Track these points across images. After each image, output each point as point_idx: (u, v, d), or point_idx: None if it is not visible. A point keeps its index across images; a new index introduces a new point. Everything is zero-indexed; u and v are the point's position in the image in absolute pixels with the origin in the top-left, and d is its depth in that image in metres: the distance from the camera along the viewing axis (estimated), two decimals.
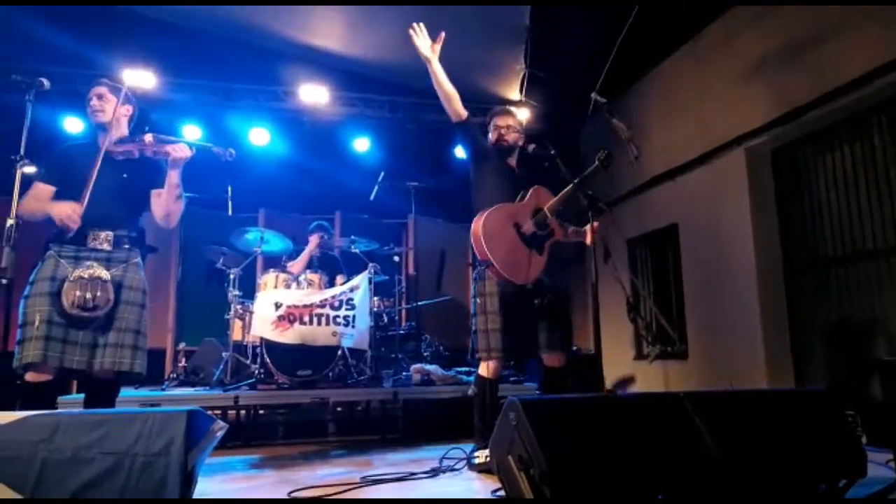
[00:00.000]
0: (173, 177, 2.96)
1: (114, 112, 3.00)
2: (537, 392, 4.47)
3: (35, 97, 2.84)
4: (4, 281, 2.51)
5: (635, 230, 6.28)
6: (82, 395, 3.02)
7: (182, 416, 2.05)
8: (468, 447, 3.39)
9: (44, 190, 2.92)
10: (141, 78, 5.71)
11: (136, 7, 5.11)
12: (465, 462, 3.29)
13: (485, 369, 3.25)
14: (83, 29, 4.94)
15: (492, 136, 3.45)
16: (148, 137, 2.96)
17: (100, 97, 3.01)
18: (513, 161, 3.49)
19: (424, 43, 3.27)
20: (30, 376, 2.69)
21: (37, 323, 2.69)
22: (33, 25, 4.78)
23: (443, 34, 3.29)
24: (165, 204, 2.97)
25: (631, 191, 6.20)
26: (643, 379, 5.91)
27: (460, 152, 7.04)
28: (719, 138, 5.06)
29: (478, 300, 3.30)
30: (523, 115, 6.61)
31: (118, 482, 1.90)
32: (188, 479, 2.02)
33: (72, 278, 2.75)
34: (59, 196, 2.87)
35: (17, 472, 1.87)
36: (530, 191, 3.31)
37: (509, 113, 3.53)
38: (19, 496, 1.80)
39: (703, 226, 5.32)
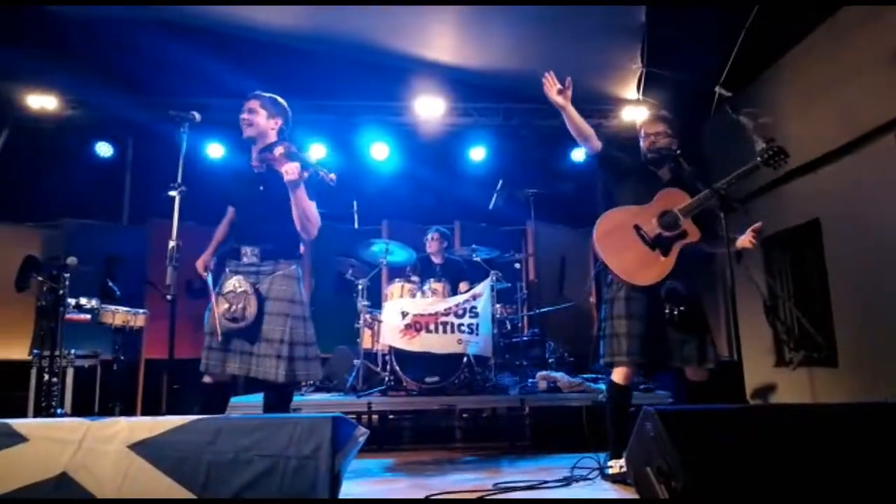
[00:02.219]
0: (293, 195, 2.96)
1: (262, 126, 3.08)
2: (670, 401, 4.30)
3: (188, 128, 3.14)
4: (169, 297, 2.79)
5: (770, 228, 5.87)
6: (249, 397, 3.28)
7: (328, 421, 2.17)
8: (599, 456, 3.33)
9: (230, 210, 3.27)
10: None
11: (266, 34, 5.48)
12: (597, 472, 3.23)
13: (617, 375, 3.17)
14: (220, 57, 5.37)
15: (644, 144, 3.36)
16: (279, 150, 2.98)
17: (250, 111, 3.09)
18: (665, 171, 3.36)
19: (554, 90, 3.23)
20: (206, 378, 2.99)
21: (208, 334, 2.98)
22: (180, 56, 5.25)
23: (569, 80, 3.24)
24: (296, 219, 3.01)
25: (765, 186, 5.81)
26: (786, 388, 5.51)
27: (577, 156, 6.95)
28: (866, 125, 4.63)
29: (606, 305, 3.24)
30: (642, 114, 6.41)
31: (275, 483, 2.04)
32: (335, 482, 2.14)
33: (223, 292, 2.94)
34: (235, 213, 3.23)
35: (188, 471, 2.05)
36: (658, 193, 3.22)
37: (659, 119, 3.41)
38: (193, 496, 1.98)
39: (849, 221, 4.89)
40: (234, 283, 2.94)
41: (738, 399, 3.20)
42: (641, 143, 3.39)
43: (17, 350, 5.50)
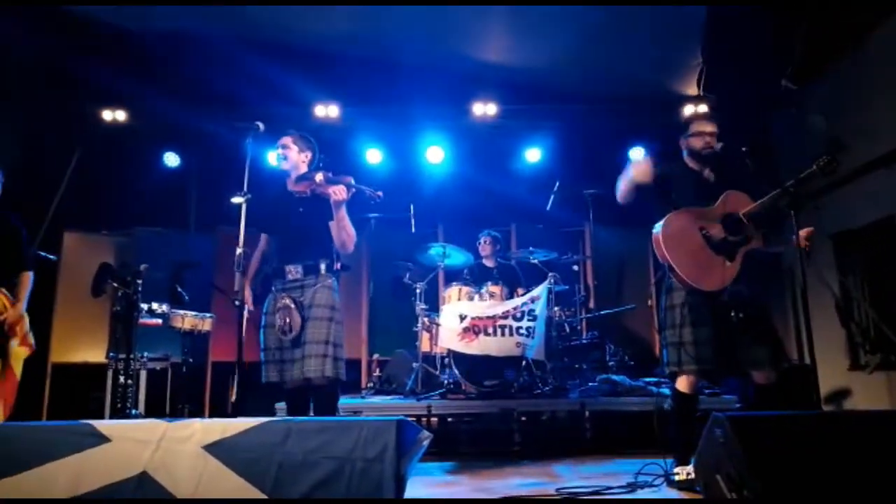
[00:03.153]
0: (336, 215, 3.25)
1: (294, 159, 3.47)
2: (737, 406, 4.18)
3: (253, 138, 3.28)
4: (237, 303, 2.90)
5: (842, 225, 5.62)
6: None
7: (392, 425, 2.20)
8: (664, 462, 3.25)
9: (263, 238, 3.57)
10: (328, 110, 6.23)
11: (327, 43, 5.59)
12: (663, 478, 3.16)
13: (681, 384, 3.11)
14: (282, 67, 5.51)
15: (696, 144, 3.28)
16: (318, 177, 3.31)
17: (284, 147, 3.50)
18: (709, 172, 3.31)
19: (643, 170, 3.21)
20: (289, 384, 3.27)
21: (272, 349, 3.29)
22: (244, 67, 5.43)
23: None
24: (336, 237, 3.31)
25: (837, 181, 5.57)
26: (862, 392, 5.25)
27: (636, 156, 6.82)
28: None
29: (667, 312, 3.18)
30: (702, 110, 6.24)
31: (342, 485, 2.08)
32: (400, 485, 2.16)
33: (273, 310, 3.30)
34: (271, 238, 3.53)
35: (259, 472, 2.11)
36: (721, 196, 3.14)
37: (712, 118, 3.34)
38: (264, 496, 2.04)
39: None
40: (278, 301, 3.27)
41: (811, 404, 3.08)
42: (692, 142, 3.30)
43: (95, 353, 5.78)
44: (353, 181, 3.26)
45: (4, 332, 3.55)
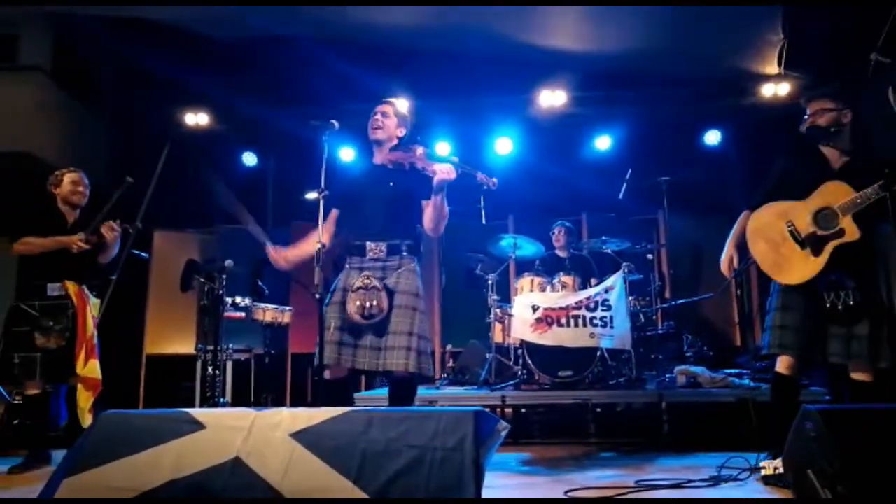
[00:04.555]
0: (437, 197, 3.01)
1: (391, 131, 3.24)
2: (827, 398, 3.99)
3: (328, 136, 3.33)
4: (318, 296, 2.97)
5: None
6: (373, 392, 3.39)
7: (470, 415, 2.22)
8: (750, 456, 3.15)
9: (332, 213, 3.30)
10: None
11: (397, 36, 5.67)
12: (748, 472, 3.06)
13: (778, 364, 3.04)
14: (355, 66, 5.64)
15: (822, 121, 3.11)
16: (419, 150, 3.04)
17: (384, 115, 3.24)
18: (832, 152, 3.12)
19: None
20: (327, 374, 3.01)
21: (332, 329, 2.99)
22: (316, 66, 5.57)
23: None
24: (431, 218, 3.07)
25: None
26: None
27: (711, 139, 6.60)
28: None
29: (770, 297, 3.15)
30: (784, 89, 5.97)
31: (423, 473, 2.11)
32: (479, 475, 2.18)
33: (353, 288, 2.98)
34: (341, 217, 3.27)
35: (344, 459, 2.18)
36: (820, 186, 2.99)
37: (821, 95, 3.15)
38: (349, 482, 2.10)
39: None
40: (363, 279, 2.98)
41: None
42: (818, 120, 3.11)
43: (185, 345, 6.10)
44: (458, 161, 3.01)
45: (73, 349, 3.75)
